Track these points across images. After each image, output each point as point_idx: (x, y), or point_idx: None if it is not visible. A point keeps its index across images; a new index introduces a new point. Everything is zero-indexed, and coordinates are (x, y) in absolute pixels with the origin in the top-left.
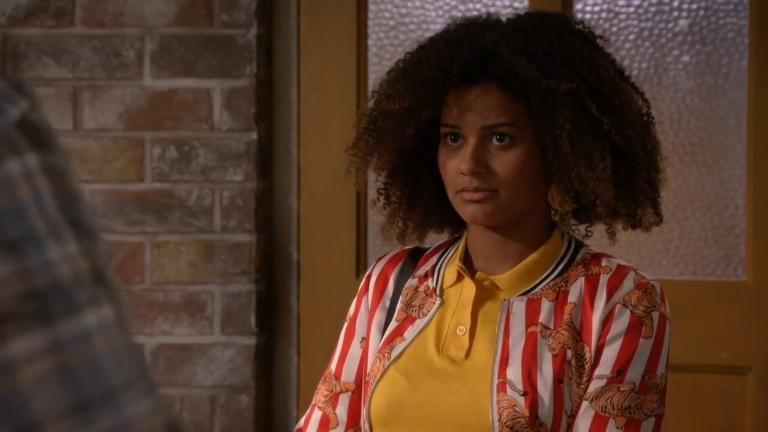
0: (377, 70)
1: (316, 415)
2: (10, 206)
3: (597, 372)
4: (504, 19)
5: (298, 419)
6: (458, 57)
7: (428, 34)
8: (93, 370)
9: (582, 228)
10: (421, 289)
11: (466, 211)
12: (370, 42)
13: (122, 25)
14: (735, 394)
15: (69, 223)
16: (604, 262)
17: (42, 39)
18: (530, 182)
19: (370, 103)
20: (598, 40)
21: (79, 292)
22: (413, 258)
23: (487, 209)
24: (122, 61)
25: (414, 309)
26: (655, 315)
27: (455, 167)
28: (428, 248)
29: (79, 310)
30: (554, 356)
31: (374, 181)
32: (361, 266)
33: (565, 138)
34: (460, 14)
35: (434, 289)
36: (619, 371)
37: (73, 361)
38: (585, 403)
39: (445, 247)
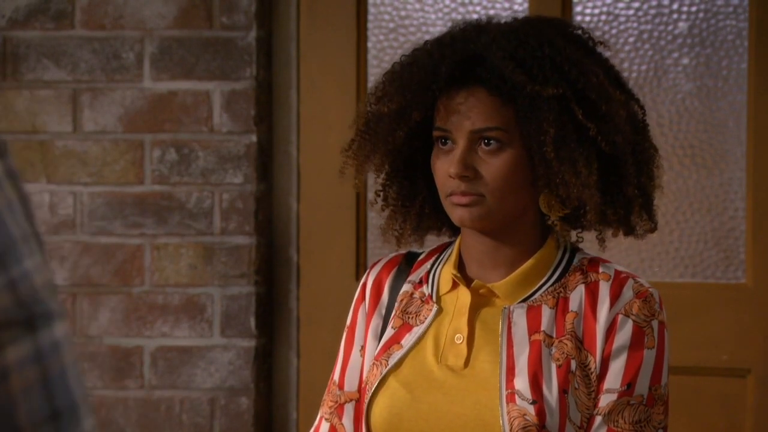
0: (377, 73)
1: (324, 426)
2: None
3: (606, 385)
4: (502, 22)
5: (298, 421)
6: (447, 60)
7: (428, 37)
8: (63, 381)
9: (573, 234)
10: (416, 295)
11: (455, 214)
12: (369, 44)
13: (122, 27)
14: (735, 396)
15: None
16: (601, 269)
17: (42, 41)
18: (518, 187)
19: (365, 106)
20: (598, 47)
21: (51, 303)
22: (407, 263)
23: (474, 213)
24: (122, 63)
25: (410, 316)
26: (655, 324)
27: (445, 170)
28: (421, 253)
29: (52, 321)
30: (558, 367)
31: (373, 183)
32: (360, 268)
33: (549, 143)
34: (459, 17)
35: (430, 296)
36: (629, 385)
37: (51, 371)
38: (598, 419)
39: (438, 252)
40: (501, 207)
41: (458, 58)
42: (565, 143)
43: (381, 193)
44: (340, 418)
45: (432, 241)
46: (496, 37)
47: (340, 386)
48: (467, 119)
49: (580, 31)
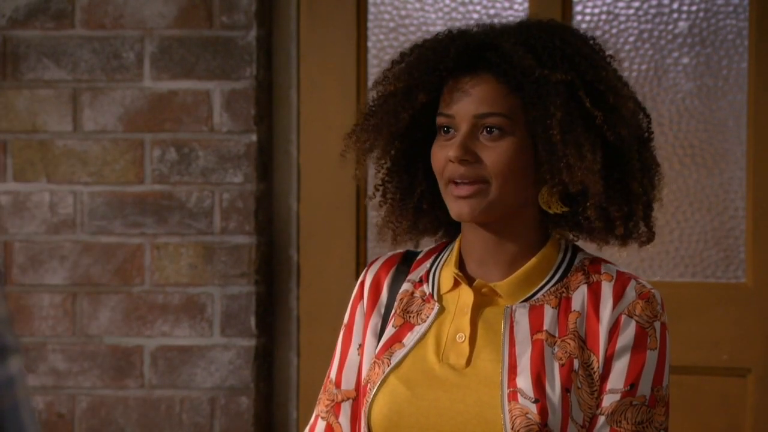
0: (377, 72)
1: (320, 425)
2: None
3: (609, 386)
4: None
5: (298, 421)
6: (457, 43)
7: (428, 36)
8: (15, 415)
9: (570, 234)
10: (417, 294)
11: (453, 207)
12: (369, 44)
13: (122, 26)
14: (735, 395)
15: None
16: (603, 269)
17: (42, 41)
18: (520, 176)
19: (371, 91)
20: (608, 58)
21: (6, 338)
22: (406, 262)
23: (474, 205)
24: (122, 62)
25: (412, 315)
26: (657, 325)
27: (444, 155)
28: (420, 252)
29: (7, 356)
30: (561, 366)
31: (373, 178)
32: (360, 268)
33: (556, 125)
34: (459, 16)
35: (431, 295)
36: (632, 385)
37: (3, 406)
38: (601, 419)
39: (437, 252)
40: (503, 196)
41: (467, 42)
42: (571, 127)
43: (380, 188)
44: (337, 417)
45: (427, 242)
46: (507, 29)
47: (337, 384)
48: (471, 103)
49: (591, 41)
